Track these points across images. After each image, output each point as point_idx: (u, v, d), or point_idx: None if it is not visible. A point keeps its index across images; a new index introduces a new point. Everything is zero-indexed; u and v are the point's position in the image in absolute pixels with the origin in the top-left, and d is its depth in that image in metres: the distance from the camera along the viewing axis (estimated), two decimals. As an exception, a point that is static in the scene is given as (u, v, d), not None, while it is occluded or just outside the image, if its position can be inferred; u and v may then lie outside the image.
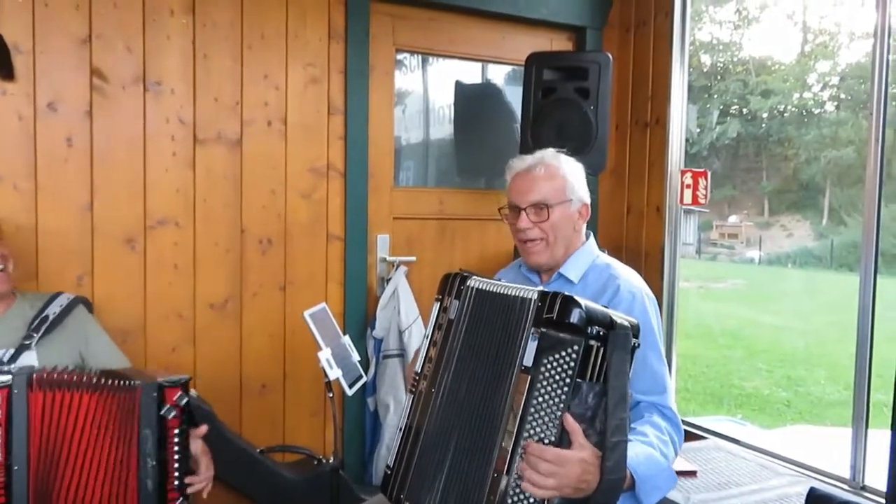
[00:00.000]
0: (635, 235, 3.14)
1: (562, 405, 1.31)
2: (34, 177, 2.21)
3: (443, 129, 3.19)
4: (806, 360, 8.18)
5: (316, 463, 2.44)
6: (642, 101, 3.11)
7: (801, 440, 3.17)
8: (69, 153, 2.25)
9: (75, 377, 1.54)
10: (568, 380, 1.32)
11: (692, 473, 2.29)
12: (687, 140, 3.05)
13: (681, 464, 2.30)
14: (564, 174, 1.76)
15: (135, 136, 2.34)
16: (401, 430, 1.59)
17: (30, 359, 1.78)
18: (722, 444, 2.64)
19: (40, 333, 1.82)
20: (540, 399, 1.33)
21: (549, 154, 1.80)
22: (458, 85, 3.14)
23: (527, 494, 1.31)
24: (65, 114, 2.24)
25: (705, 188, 2.81)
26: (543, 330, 1.36)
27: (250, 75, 2.51)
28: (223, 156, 2.47)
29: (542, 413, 1.33)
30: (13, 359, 1.77)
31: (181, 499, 1.60)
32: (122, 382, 1.55)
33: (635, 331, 1.39)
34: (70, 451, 1.52)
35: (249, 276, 2.53)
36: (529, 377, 1.35)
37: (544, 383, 1.33)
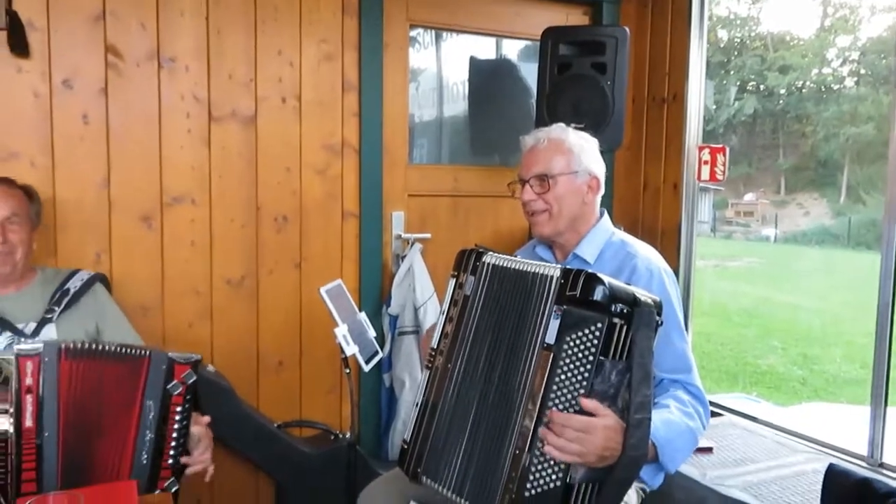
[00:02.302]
0: (651, 213, 3.12)
1: (585, 383, 1.31)
2: (51, 154, 2.21)
3: (456, 106, 3.17)
4: (822, 338, 8.14)
5: (332, 438, 2.48)
6: (659, 76, 3.07)
7: (817, 417, 3.17)
8: (85, 130, 2.26)
9: (99, 347, 1.56)
10: (591, 357, 1.31)
11: (708, 450, 2.29)
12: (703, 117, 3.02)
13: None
14: (570, 146, 1.75)
15: (150, 114, 2.34)
16: (417, 405, 1.60)
17: (50, 332, 1.81)
18: (738, 420, 2.64)
19: (61, 307, 1.85)
20: (562, 376, 1.33)
21: (556, 128, 1.81)
22: (473, 61, 3.10)
23: (549, 471, 1.32)
24: (80, 91, 2.24)
25: (723, 164, 2.78)
26: (566, 307, 1.35)
27: (264, 52, 2.49)
28: (238, 133, 2.47)
29: (565, 390, 1.32)
30: (35, 332, 1.79)
31: (173, 479, 1.60)
32: (132, 351, 1.57)
33: (659, 308, 1.38)
34: (90, 417, 1.54)
35: (265, 253, 2.54)
36: (551, 355, 1.34)
37: (567, 361, 1.33)
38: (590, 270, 1.38)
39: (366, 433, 2.72)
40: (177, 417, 1.58)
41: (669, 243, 2.96)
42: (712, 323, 8.55)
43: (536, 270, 1.45)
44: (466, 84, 3.12)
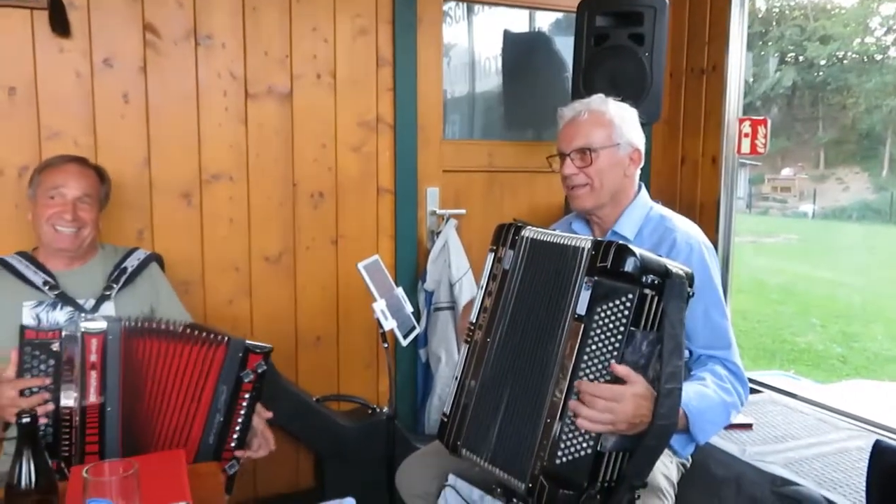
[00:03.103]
0: (689, 187, 3.07)
1: (615, 353, 1.32)
2: (93, 132, 2.25)
3: (489, 81, 3.14)
4: (862, 315, 7.98)
5: (370, 412, 2.50)
6: (698, 47, 3.00)
7: (859, 395, 3.11)
8: (125, 109, 2.29)
9: (163, 326, 1.60)
10: (622, 328, 1.32)
11: (747, 426, 2.27)
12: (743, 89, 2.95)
13: (736, 417, 2.28)
14: (611, 118, 1.73)
15: (188, 92, 2.36)
16: (456, 378, 1.61)
17: (108, 309, 1.85)
18: (777, 397, 2.61)
19: (119, 285, 1.89)
20: (593, 347, 1.34)
21: (596, 99, 1.78)
22: (507, 34, 3.07)
23: (580, 439, 1.33)
24: (120, 70, 2.27)
25: (765, 137, 2.72)
26: (597, 278, 1.36)
27: (299, 28, 2.49)
28: (274, 110, 2.48)
29: (595, 360, 1.33)
30: (95, 308, 1.84)
31: (233, 460, 1.65)
32: (209, 335, 1.61)
33: (690, 280, 1.38)
34: (148, 395, 1.59)
35: (302, 230, 2.56)
36: (582, 325, 1.35)
37: (597, 331, 1.34)
38: (620, 242, 1.37)
39: (402, 408, 2.75)
40: (244, 404, 1.63)
41: (708, 219, 2.92)
42: (749, 300, 8.43)
43: (569, 243, 1.45)
44: (499, 58, 3.08)
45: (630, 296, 1.31)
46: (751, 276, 9.45)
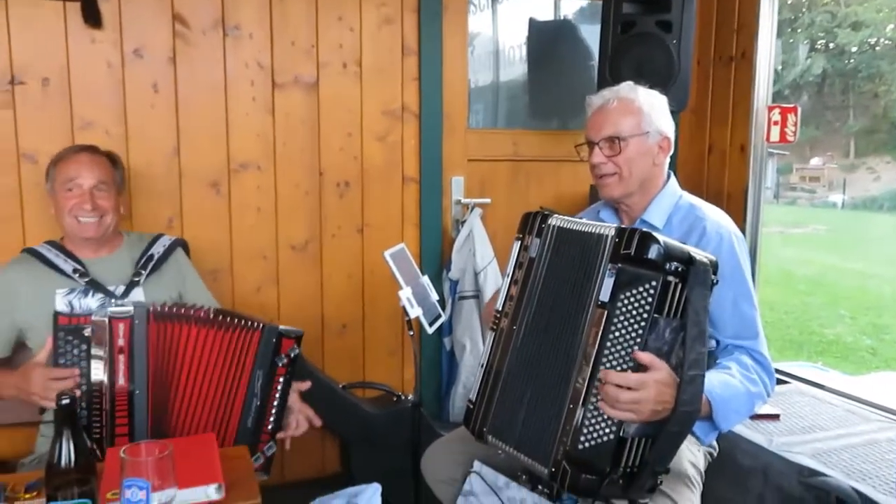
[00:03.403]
0: (717, 177, 3.04)
1: (638, 339, 1.33)
2: (124, 122, 2.29)
3: (513, 69, 3.13)
4: (893, 306, 7.83)
5: (395, 399, 2.52)
6: (727, 34, 2.96)
7: (889, 387, 3.07)
8: (155, 99, 2.32)
9: (192, 311, 1.63)
10: (645, 315, 1.32)
11: (775, 417, 2.26)
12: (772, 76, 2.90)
13: (763, 407, 2.26)
14: (640, 106, 1.71)
15: (216, 82, 2.39)
16: (482, 366, 1.62)
17: (138, 295, 1.89)
18: (805, 388, 2.58)
19: (147, 272, 1.92)
20: (616, 334, 1.35)
21: (625, 87, 1.76)
22: (532, 22, 3.05)
23: (602, 424, 1.34)
24: (150, 60, 2.30)
25: (794, 125, 2.68)
26: (620, 266, 1.36)
27: (325, 17, 2.50)
28: (300, 99, 2.50)
29: (619, 347, 1.34)
30: (125, 294, 1.87)
31: (271, 441, 1.70)
32: (243, 322, 1.65)
33: (714, 267, 1.38)
34: (181, 379, 1.62)
35: (328, 219, 2.59)
36: (605, 312, 1.36)
37: (621, 318, 1.34)
38: (644, 229, 1.38)
39: (426, 396, 2.77)
40: (279, 388, 1.68)
41: (735, 208, 2.89)
42: (776, 291, 8.31)
43: (593, 230, 1.46)
44: (524, 47, 3.07)
45: (654, 283, 1.32)
46: (778, 267, 9.32)
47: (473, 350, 2.68)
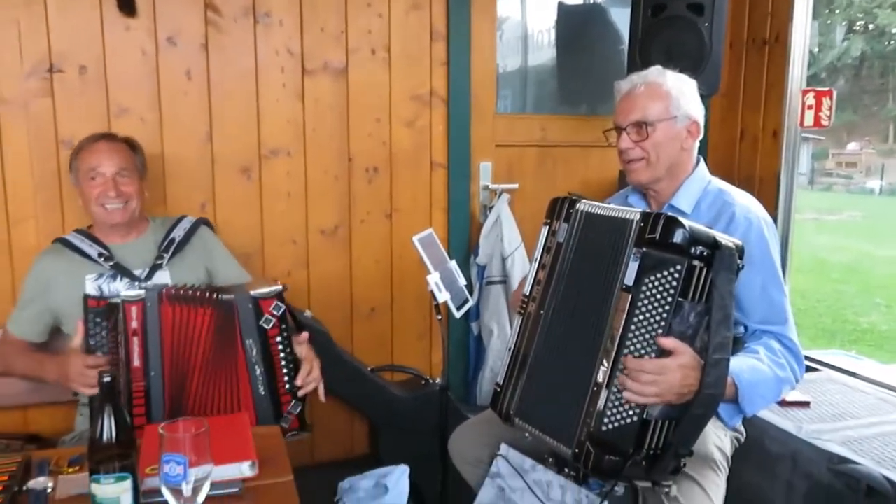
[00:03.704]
0: (748, 162, 3.00)
1: (662, 323, 1.34)
2: (158, 109, 2.33)
3: (542, 54, 3.11)
4: (930, 295, 7.66)
5: (423, 383, 2.56)
6: (761, 16, 2.91)
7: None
8: (188, 86, 2.36)
9: (198, 293, 1.67)
10: (669, 298, 1.33)
11: (805, 404, 2.24)
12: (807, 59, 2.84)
13: (792, 394, 2.25)
14: (668, 90, 1.70)
15: (247, 69, 2.42)
16: (509, 349, 1.64)
17: (163, 277, 1.93)
18: (837, 376, 2.55)
19: (170, 254, 1.96)
20: (640, 317, 1.36)
21: (653, 71, 1.75)
22: (561, 6, 3.03)
23: (625, 406, 1.35)
24: (183, 47, 2.34)
25: (829, 109, 2.63)
26: (645, 250, 1.37)
27: (354, 3, 2.52)
28: (330, 85, 2.52)
29: (643, 330, 1.35)
30: (148, 277, 1.92)
31: (294, 401, 1.71)
32: (218, 297, 1.66)
33: (740, 252, 1.39)
34: (192, 358, 1.66)
35: (357, 204, 2.61)
36: (630, 296, 1.37)
37: (645, 302, 1.35)
38: (669, 213, 1.38)
39: (454, 380, 2.79)
40: (279, 348, 1.68)
41: (767, 194, 2.85)
42: (809, 279, 8.18)
43: (619, 215, 1.47)
44: (553, 31, 3.05)
45: (678, 267, 1.32)
46: (812, 255, 9.16)
47: (501, 335, 2.69)
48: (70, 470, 1.38)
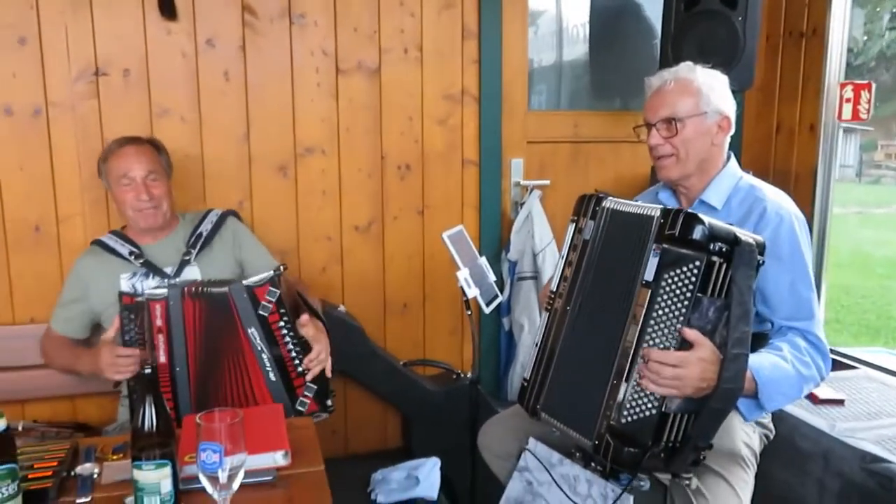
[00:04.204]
0: (784, 157, 2.96)
1: (681, 318, 1.35)
2: (198, 109, 2.40)
3: (576, 49, 3.11)
4: (980, 292, 7.41)
5: (454, 377, 2.60)
6: (797, 8, 2.86)
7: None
8: (226, 87, 2.43)
9: (206, 288, 1.72)
10: (689, 294, 1.35)
11: (839, 402, 2.21)
12: (850, 50, 2.78)
13: (826, 392, 2.23)
14: (699, 86, 1.70)
15: (283, 69, 2.48)
16: (537, 345, 1.66)
17: (193, 273, 1.99)
18: (874, 374, 2.51)
19: (197, 249, 2.02)
20: (660, 312, 1.38)
21: (683, 67, 1.75)
22: (594, 1, 3.02)
23: (645, 400, 1.37)
24: (221, 49, 2.40)
25: (868, 102, 2.58)
26: (665, 246, 1.39)
27: (386, 3, 2.55)
28: (363, 85, 2.57)
29: (662, 325, 1.37)
30: (177, 273, 1.98)
31: (307, 383, 1.75)
32: (211, 289, 1.70)
33: (761, 248, 1.40)
34: (210, 351, 1.72)
35: (390, 201, 2.66)
36: (650, 291, 1.39)
37: (664, 297, 1.37)
38: (690, 210, 1.39)
39: (485, 374, 2.82)
40: (282, 332, 1.71)
41: (804, 189, 2.81)
42: (852, 275, 7.98)
43: (642, 212, 1.49)
44: (587, 26, 3.05)
45: (697, 263, 1.34)
46: (856, 249, 8.93)
47: (531, 330, 2.71)
48: (114, 457, 1.45)
